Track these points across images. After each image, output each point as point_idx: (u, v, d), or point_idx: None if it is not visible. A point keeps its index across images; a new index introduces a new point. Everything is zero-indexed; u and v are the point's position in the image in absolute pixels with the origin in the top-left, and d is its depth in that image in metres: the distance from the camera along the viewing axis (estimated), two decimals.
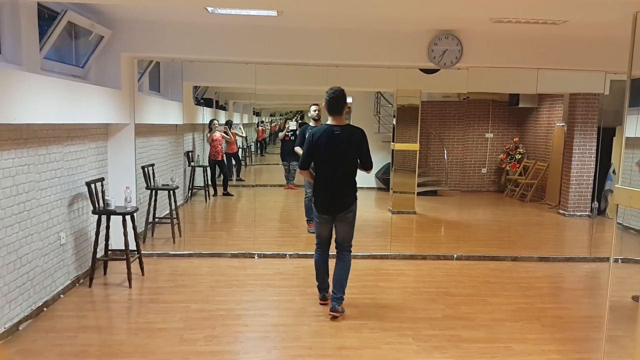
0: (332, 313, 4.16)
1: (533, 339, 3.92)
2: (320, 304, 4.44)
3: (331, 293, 4.31)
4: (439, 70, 6.25)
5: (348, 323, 4.11)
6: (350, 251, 4.34)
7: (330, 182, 4.15)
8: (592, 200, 8.80)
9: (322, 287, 4.45)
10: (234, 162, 10.34)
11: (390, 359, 3.53)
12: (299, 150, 7.27)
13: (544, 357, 3.61)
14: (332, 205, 4.18)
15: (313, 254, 5.88)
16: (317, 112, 7.01)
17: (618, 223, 3.23)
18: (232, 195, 9.63)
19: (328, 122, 4.18)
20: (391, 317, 4.26)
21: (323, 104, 4.16)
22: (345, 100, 4.13)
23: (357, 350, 3.64)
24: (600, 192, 8.84)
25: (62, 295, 4.53)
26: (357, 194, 4.25)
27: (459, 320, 4.24)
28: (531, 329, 4.10)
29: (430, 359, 3.53)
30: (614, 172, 8.60)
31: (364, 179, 11.06)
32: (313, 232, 7.47)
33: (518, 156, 10.74)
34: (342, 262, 4.30)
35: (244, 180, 10.97)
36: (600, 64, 5.78)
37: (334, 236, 4.34)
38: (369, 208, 10.06)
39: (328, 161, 4.12)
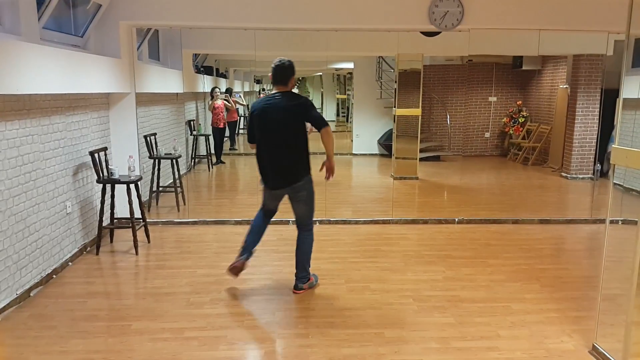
0: (296, 291, 4.03)
1: (531, 298, 4.01)
2: (230, 266, 4.00)
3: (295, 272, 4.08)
4: (440, 32, 6.17)
5: (350, 286, 4.20)
6: (311, 230, 4.07)
7: (271, 155, 3.83)
8: (595, 163, 8.81)
9: (247, 249, 4.03)
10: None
11: (391, 318, 3.63)
12: None
13: (542, 316, 3.70)
14: (276, 181, 3.89)
15: (315, 220, 5.99)
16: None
17: (618, 184, 3.25)
18: (224, 162, 9.74)
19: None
20: (392, 280, 4.35)
21: (269, 74, 3.84)
22: (292, 72, 3.80)
23: (358, 310, 3.74)
24: (603, 154, 8.83)
25: (70, 263, 4.64)
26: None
27: (459, 281, 4.33)
28: (530, 289, 4.18)
29: (430, 318, 3.63)
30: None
31: (367, 146, 11.17)
32: None
33: (521, 119, 10.69)
34: (302, 242, 4.05)
35: (236, 150, 11.04)
36: (603, 24, 5.69)
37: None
38: (371, 174, 10.13)
39: (267, 130, 3.79)
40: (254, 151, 3.97)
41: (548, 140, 10.06)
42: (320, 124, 3.80)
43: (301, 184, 3.88)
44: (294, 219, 4.09)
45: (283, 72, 3.79)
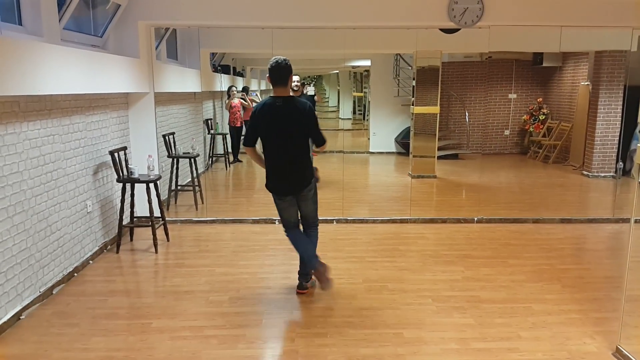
0: (300, 291, 4.02)
1: (553, 299, 3.95)
2: (298, 292, 4.02)
3: (299, 271, 4.09)
4: (459, 29, 6.11)
5: (368, 285, 4.19)
6: (317, 227, 4.10)
7: (280, 161, 3.77)
8: (617, 161, 8.65)
9: (313, 263, 3.86)
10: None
11: (410, 318, 3.60)
12: None
13: (564, 317, 3.64)
14: (288, 185, 3.83)
15: (332, 219, 6.03)
16: (296, 82, 6.96)
17: None
18: (241, 161, 9.70)
19: (272, 95, 3.79)
20: (411, 280, 4.32)
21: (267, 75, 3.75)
22: (290, 71, 3.70)
23: (377, 310, 3.72)
24: (625, 152, 8.67)
25: (91, 261, 4.70)
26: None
27: (478, 281, 4.29)
28: (551, 290, 4.12)
29: (450, 319, 3.60)
30: None
31: (384, 144, 11.10)
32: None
33: (542, 117, 10.53)
34: (309, 237, 4.05)
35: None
36: (627, 20, 5.58)
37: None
38: (388, 173, 10.09)
39: (273, 137, 3.73)
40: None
41: (569, 138, 9.89)
42: (320, 140, 3.86)
43: (311, 185, 3.89)
44: (301, 217, 4.04)
45: (281, 72, 3.68)
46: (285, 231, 4.03)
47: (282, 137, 3.72)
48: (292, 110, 3.71)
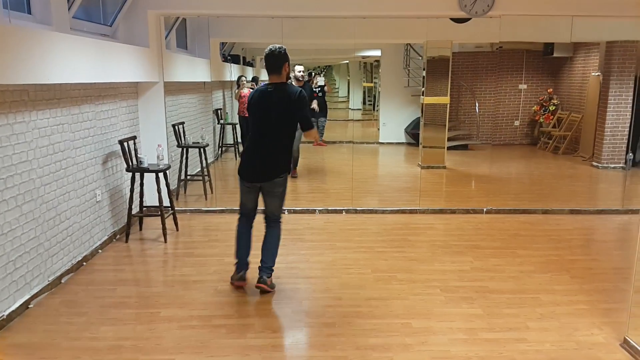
0: (260, 285, 3.80)
1: (561, 289, 3.93)
2: (235, 285, 3.93)
3: (260, 264, 3.87)
4: (470, 19, 6.04)
5: (376, 275, 4.19)
6: (280, 222, 3.95)
7: (257, 145, 3.75)
8: (627, 152, 8.56)
9: (242, 264, 3.94)
10: None
11: (418, 308, 3.60)
12: None
13: (572, 307, 3.62)
14: (255, 172, 3.78)
15: (342, 210, 6.03)
16: (301, 72, 6.87)
17: None
18: None
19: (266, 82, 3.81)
20: (419, 270, 4.32)
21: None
22: (284, 59, 3.67)
23: (385, 300, 3.72)
24: (635, 143, 8.58)
25: (100, 250, 4.73)
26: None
27: (487, 272, 4.27)
28: (560, 280, 4.10)
29: (458, 309, 3.59)
30: None
31: (394, 134, 11.04)
32: (295, 177, 7.50)
33: (552, 107, 10.43)
34: (272, 229, 3.91)
35: None
36: (639, 10, 5.49)
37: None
38: (397, 163, 10.06)
39: (258, 121, 3.73)
40: None
41: (579, 129, 9.80)
42: (306, 124, 3.76)
43: (280, 180, 3.78)
44: (264, 212, 3.92)
45: (275, 60, 3.67)
46: (239, 218, 4.00)
47: (266, 124, 3.71)
48: (282, 96, 3.68)
